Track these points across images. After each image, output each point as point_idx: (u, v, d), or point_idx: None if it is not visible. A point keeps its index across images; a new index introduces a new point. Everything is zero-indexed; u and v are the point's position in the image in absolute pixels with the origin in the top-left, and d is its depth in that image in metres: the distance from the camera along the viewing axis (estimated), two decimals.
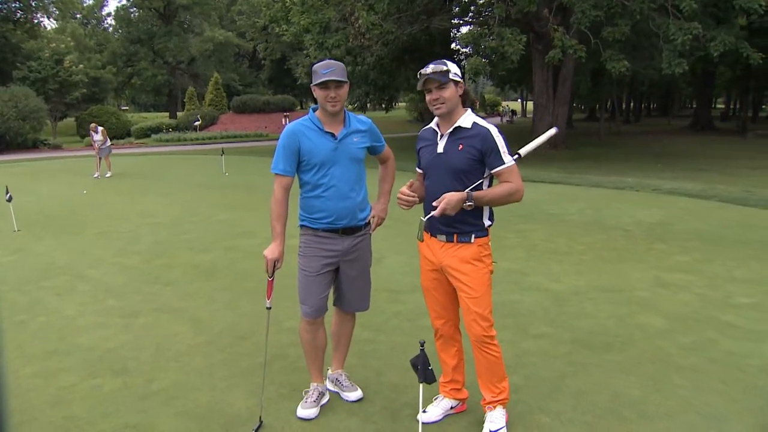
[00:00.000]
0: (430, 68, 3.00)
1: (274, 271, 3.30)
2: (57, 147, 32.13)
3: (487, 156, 3.00)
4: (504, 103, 64.74)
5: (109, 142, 17.58)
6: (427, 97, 3.05)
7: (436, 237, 3.15)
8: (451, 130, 3.07)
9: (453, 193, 2.95)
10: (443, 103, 3.01)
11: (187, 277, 6.51)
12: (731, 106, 55.37)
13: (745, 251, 6.94)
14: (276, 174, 3.30)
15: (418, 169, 3.33)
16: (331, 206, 3.29)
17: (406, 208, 3.11)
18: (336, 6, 18.82)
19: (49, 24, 53.75)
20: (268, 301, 3.38)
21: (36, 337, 4.85)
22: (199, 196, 12.69)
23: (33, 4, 45.11)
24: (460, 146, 3.03)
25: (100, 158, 17.17)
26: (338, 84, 3.19)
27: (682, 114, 56.27)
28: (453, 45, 32.65)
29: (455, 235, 3.08)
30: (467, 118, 3.07)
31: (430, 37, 26.84)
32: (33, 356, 4.45)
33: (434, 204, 2.94)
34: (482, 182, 3.04)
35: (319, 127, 3.27)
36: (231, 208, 10.90)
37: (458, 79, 3.04)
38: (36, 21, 47.20)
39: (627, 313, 5.02)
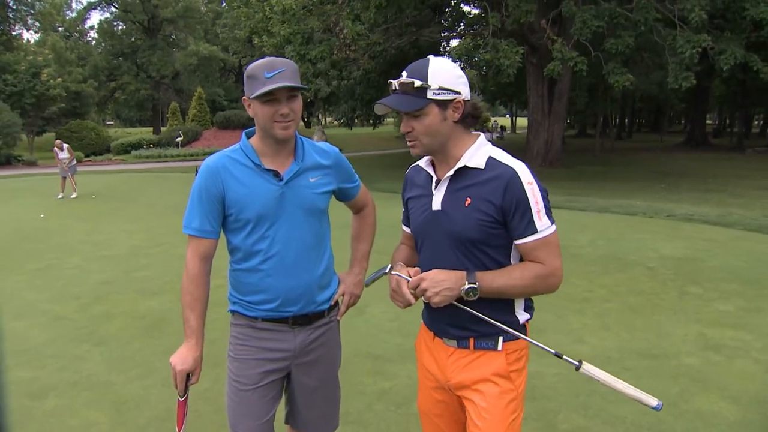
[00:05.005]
0: (395, 83, 1.84)
1: (187, 389, 2.13)
2: (32, 163, 30.82)
3: (509, 215, 1.80)
4: (492, 119, 63.82)
5: (75, 161, 16.40)
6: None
7: (442, 339, 1.99)
8: (452, 173, 1.87)
9: (440, 271, 1.81)
10: (416, 140, 1.84)
11: (128, 332, 5.31)
12: (724, 122, 54.81)
13: None
14: (189, 236, 2.11)
15: (405, 228, 2.15)
16: (275, 284, 2.09)
17: (401, 307, 1.95)
18: (320, 15, 17.71)
19: (31, 37, 52.53)
20: None
21: None
22: (165, 221, 11.45)
23: (11, 16, 43.84)
24: (467, 200, 1.83)
25: (64, 177, 15.95)
26: (292, 93, 1.98)
27: (673, 130, 55.78)
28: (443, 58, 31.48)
29: (471, 339, 1.91)
30: (478, 153, 1.86)
31: (418, 50, 25.81)
32: None
33: (408, 280, 1.84)
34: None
35: (255, 163, 2.07)
36: None
37: (448, 96, 1.80)
38: (15, 33, 45.92)
39: (679, 393, 3.87)
